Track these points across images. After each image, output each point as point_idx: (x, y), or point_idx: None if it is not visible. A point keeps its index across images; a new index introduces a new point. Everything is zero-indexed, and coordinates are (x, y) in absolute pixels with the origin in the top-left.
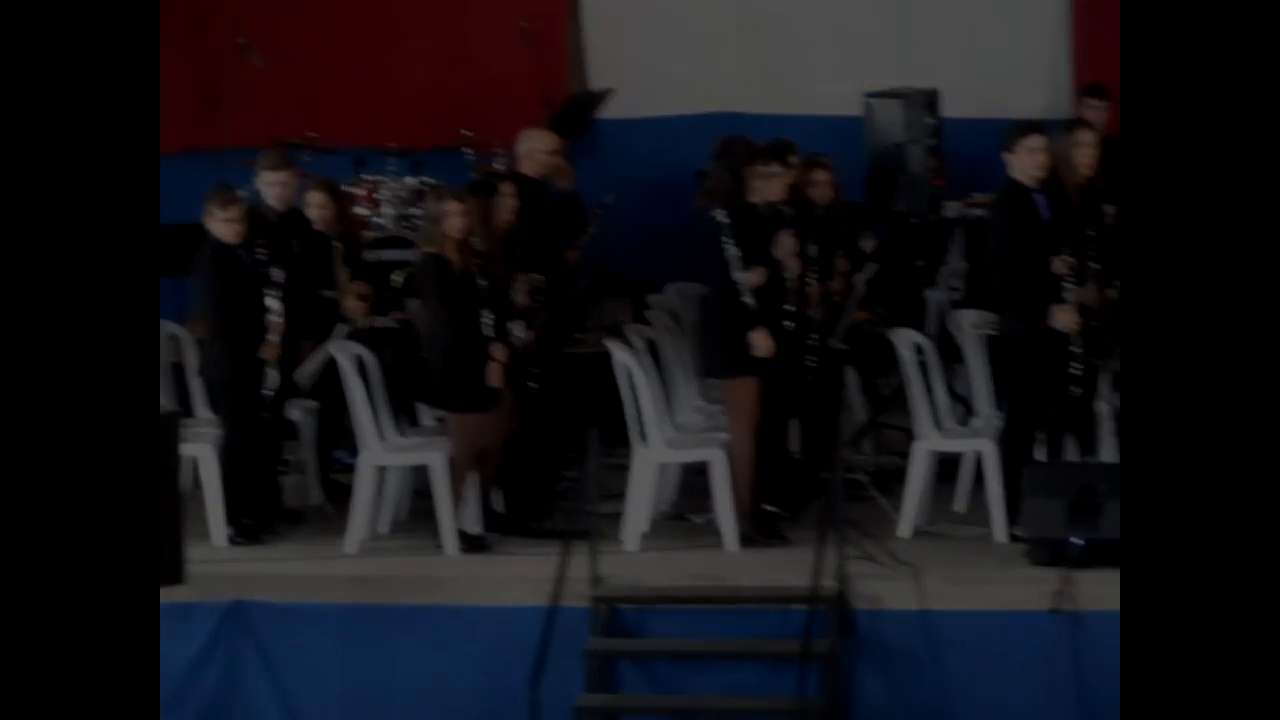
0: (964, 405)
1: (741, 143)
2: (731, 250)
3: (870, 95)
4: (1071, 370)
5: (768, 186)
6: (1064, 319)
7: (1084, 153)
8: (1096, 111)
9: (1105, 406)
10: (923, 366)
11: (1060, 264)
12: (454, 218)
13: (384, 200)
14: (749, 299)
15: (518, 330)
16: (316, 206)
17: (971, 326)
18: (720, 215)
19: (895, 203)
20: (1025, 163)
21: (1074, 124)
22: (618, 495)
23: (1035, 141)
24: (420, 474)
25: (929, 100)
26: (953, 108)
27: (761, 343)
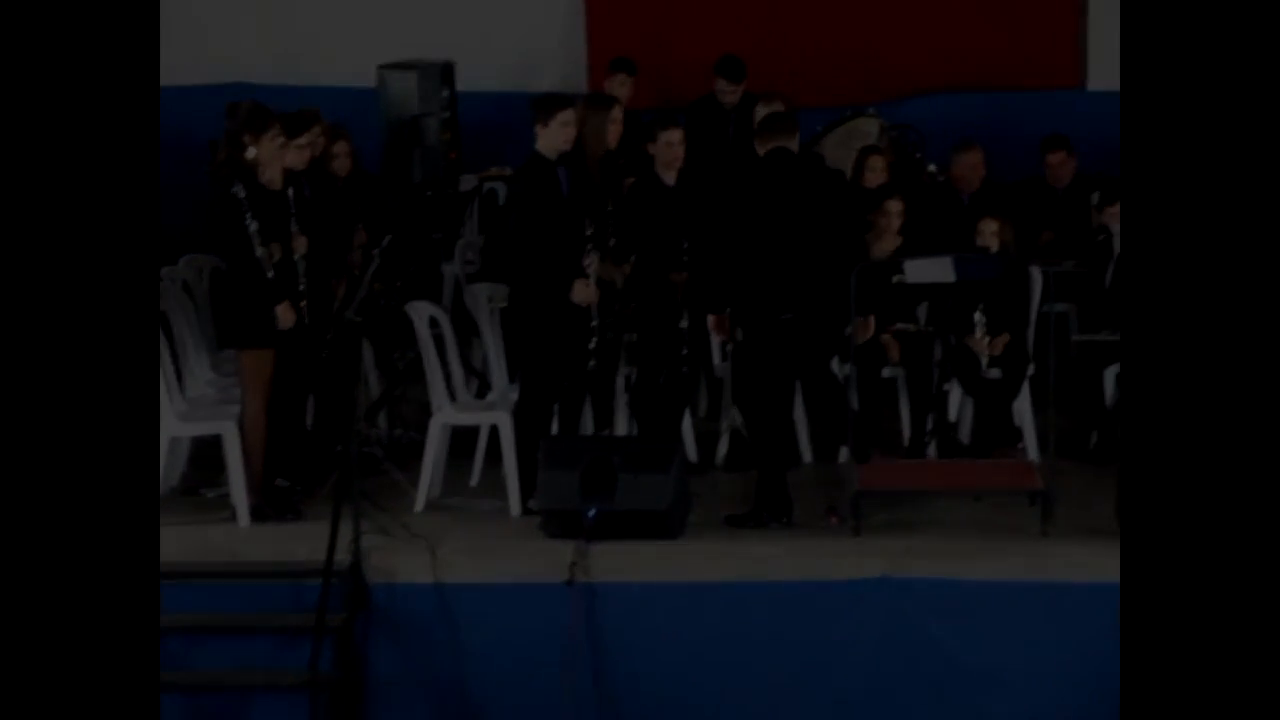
0: (479, 379)
1: (247, 108)
2: (252, 226)
3: (384, 67)
4: (590, 345)
5: (298, 156)
6: (582, 293)
7: (611, 128)
8: (624, 87)
9: (621, 380)
10: (438, 339)
11: (583, 237)
12: None
13: None
14: (270, 272)
15: None
16: None
17: (487, 300)
18: (239, 191)
19: (411, 175)
20: (557, 136)
21: (598, 98)
22: None
23: (567, 116)
24: None
25: (444, 73)
26: (469, 81)
27: (284, 316)
